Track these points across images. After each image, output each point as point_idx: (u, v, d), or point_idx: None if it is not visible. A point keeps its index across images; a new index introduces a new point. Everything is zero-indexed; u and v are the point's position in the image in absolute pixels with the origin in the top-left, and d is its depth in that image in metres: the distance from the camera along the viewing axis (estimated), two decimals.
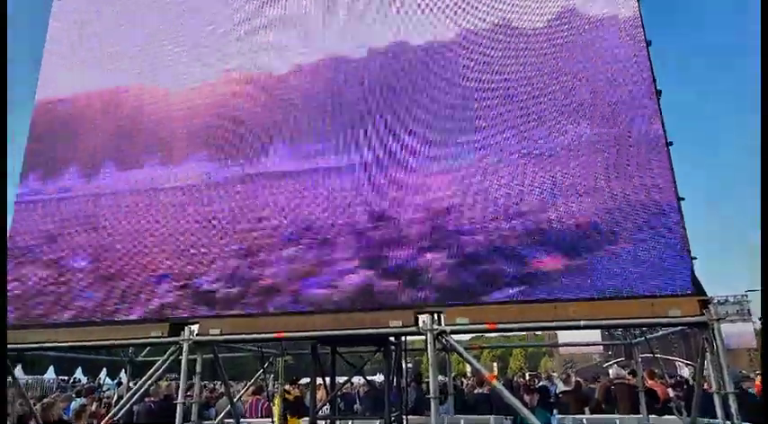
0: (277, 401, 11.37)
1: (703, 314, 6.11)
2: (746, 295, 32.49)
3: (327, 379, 10.21)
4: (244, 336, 7.65)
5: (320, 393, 11.76)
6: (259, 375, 11.53)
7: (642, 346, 12.30)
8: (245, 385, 13.72)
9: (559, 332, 27.09)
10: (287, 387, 13.09)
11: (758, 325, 33.19)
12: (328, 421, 10.03)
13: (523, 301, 6.79)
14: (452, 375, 16.42)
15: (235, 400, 10.87)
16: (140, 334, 7.85)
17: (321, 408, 10.28)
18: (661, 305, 6.32)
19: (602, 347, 29.13)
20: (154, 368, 7.91)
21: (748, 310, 32.35)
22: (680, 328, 9.34)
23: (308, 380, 11.11)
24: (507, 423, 10.96)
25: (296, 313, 7.31)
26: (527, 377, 27.15)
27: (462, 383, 22.00)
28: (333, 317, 7.17)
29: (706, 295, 6.33)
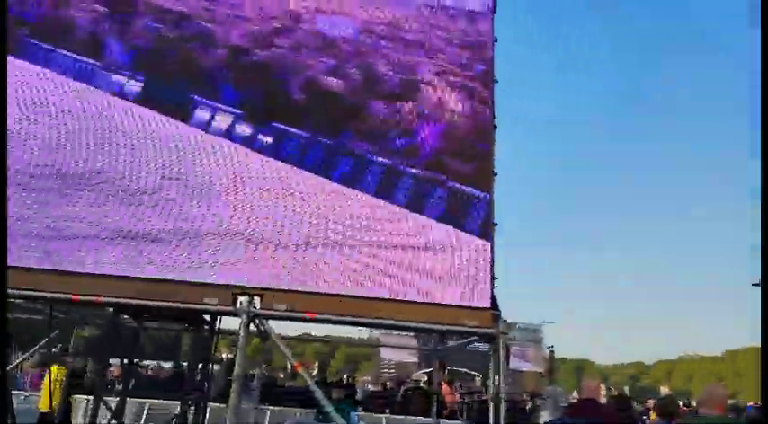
0: (54, 369, 10.00)
1: (492, 327, 6.88)
2: (541, 325, 37.54)
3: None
4: (32, 293, 6.69)
5: (116, 371, 10.76)
6: (44, 343, 10.09)
7: (450, 358, 13.38)
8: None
9: (382, 337, 28.41)
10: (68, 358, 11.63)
11: (547, 353, 38.16)
12: (116, 396, 9.22)
13: (342, 295, 6.98)
14: (268, 366, 16.27)
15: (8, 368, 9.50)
16: None
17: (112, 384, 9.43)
18: (461, 316, 6.97)
19: (416, 359, 31.33)
20: None
21: (541, 338, 37.38)
22: (482, 346, 10.34)
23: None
24: (311, 415, 11.14)
25: (96, 276, 6.58)
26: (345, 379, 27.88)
27: (281, 375, 21.96)
28: (139, 285, 6.60)
29: (499, 312, 7.11)
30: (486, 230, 7.24)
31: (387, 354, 35.48)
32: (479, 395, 17.94)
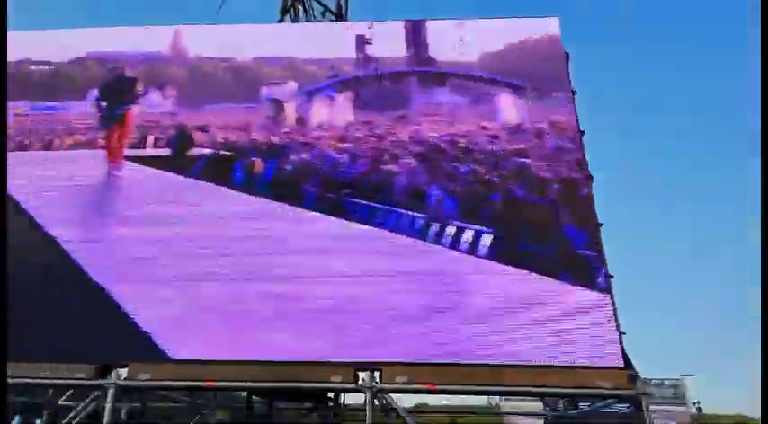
0: None
1: (632, 388, 6.34)
2: (681, 379, 33.34)
3: None
4: (176, 383, 7.30)
5: None
6: None
7: (582, 422, 12.34)
8: None
9: (503, 403, 26.87)
10: None
11: (693, 410, 33.77)
12: None
13: (464, 364, 6.85)
14: None
15: None
16: (63, 374, 7.33)
17: None
18: (592, 377, 6.53)
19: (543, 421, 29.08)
20: (71, 415, 7.31)
21: (683, 394, 33.09)
22: (619, 409, 9.54)
23: None
24: None
25: (231, 362, 7.06)
26: None
27: None
28: (269, 368, 6.97)
29: (634, 371, 6.58)
30: (604, 285, 6.90)
31: (512, 420, 33.30)
32: None
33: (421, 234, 8.12)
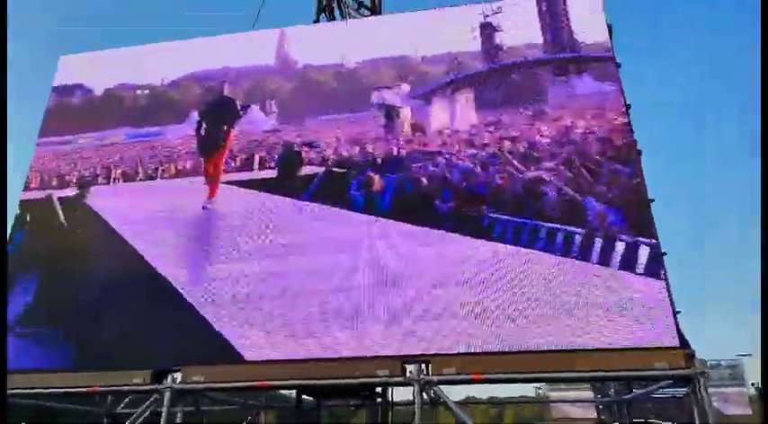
0: None
1: (688, 368, 6.13)
2: (739, 359, 32.08)
3: None
4: (228, 385, 7.48)
5: None
6: None
7: (636, 408, 12.04)
8: None
9: (551, 393, 26.43)
10: None
11: (752, 391, 32.53)
12: None
13: (510, 352, 6.77)
14: None
15: None
16: (119, 381, 7.60)
17: None
18: (646, 358, 6.34)
19: (595, 414, 28.34)
20: (130, 421, 7.58)
21: (741, 374, 31.83)
22: (674, 393, 9.30)
23: None
24: None
25: (280, 362, 7.18)
26: None
27: None
28: (317, 365, 7.06)
29: (691, 350, 6.36)
30: (655, 264, 6.68)
31: (562, 411, 32.80)
32: None
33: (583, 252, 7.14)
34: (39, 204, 9.82)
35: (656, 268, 6.79)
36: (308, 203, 8.60)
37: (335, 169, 8.83)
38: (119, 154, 10.08)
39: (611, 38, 8.56)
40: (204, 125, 9.90)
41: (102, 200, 9.65)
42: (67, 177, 10.09)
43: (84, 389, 7.61)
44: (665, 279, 6.67)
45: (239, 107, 9.88)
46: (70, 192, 9.85)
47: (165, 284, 8.27)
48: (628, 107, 8.10)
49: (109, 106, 10.65)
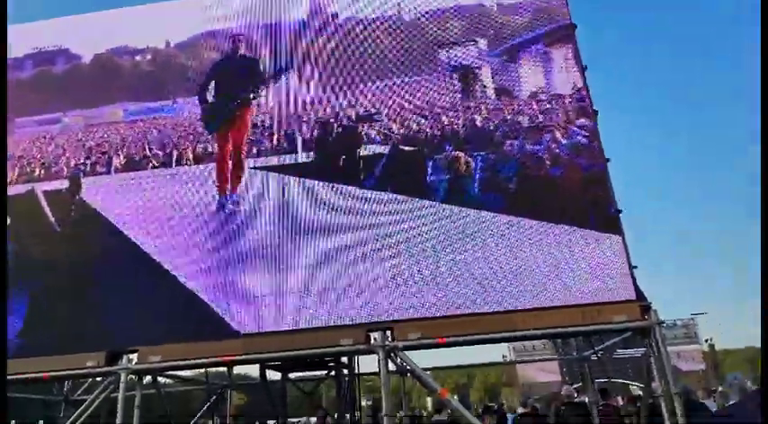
0: None
1: (645, 320, 6.26)
2: (693, 319, 33.75)
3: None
4: (187, 362, 7.23)
5: None
6: (203, 412, 10.69)
7: (597, 369, 12.43)
8: None
9: (515, 356, 27.19)
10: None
11: (705, 347, 34.37)
12: None
13: (474, 314, 6.76)
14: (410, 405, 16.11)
15: None
16: (72, 365, 7.25)
17: None
18: (605, 313, 6.44)
19: (559, 377, 29.42)
20: (83, 406, 7.25)
21: (695, 332, 33.54)
22: (630, 351, 9.53)
23: None
24: None
25: (243, 336, 6.97)
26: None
27: (422, 413, 21.69)
28: (281, 338, 6.89)
29: (649, 303, 6.49)
30: (611, 220, 6.68)
31: (527, 376, 33.86)
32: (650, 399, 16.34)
33: None
34: (19, 200, 7.93)
35: (611, 224, 6.78)
36: (373, 192, 6.99)
37: (404, 147, 7.20)
38: (118, 136, 8.19)
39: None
40: (213, 92, 8.04)
41: (101, 195, 7.79)
42: (53, 166, 8.16)
43: (34, 375, 7.22)
44: (622, 236, 6.73)
45: (269, 69, 7.96)
46: (59, 185, 8.00)
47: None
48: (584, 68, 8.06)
49: (102, 76, 8.62)
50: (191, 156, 7.86)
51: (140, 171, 7.91)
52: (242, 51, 8.16)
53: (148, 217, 7.52)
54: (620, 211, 6.89)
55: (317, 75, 7.83)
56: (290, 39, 8.11)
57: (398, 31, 7.81)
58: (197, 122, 8.07)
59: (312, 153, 7.52)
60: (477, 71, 7.47)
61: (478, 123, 7.18)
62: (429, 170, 7.00)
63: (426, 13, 7.85)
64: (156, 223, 7.48)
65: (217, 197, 7.56)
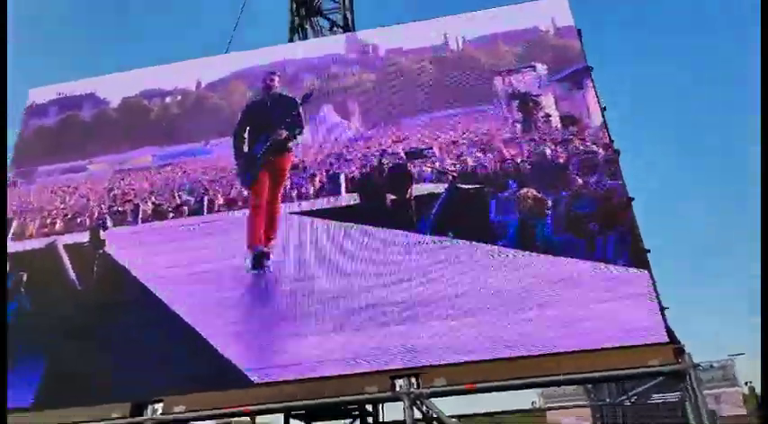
0: None
1: (679, 363, 6.04)
2: (731, 360, 32.23)
3: None
4: (212, 411, 7.16)
5: None
6: None
7: (629, 413, 11.90)
8: None
9: (547, 405, 26.17)
10: None
11: (746, 390, 32.66)
12: None
13: (502, 359, 6.59)
14: None
15: None
16: (98, 416, 7.20)
17: None
18: (638, 356, 6.24)
19: (590, 420, 28.21)
20: None
21: (734, 374, 31.97)
22: (668, 396, 9.18)
23: None
24: None
25: (265, 385, 6.89)
26: None
27: None
28: (304, 386, 6.78)
29: (682, 345, 6.29)
30: (639, 258, 6.51)
31: (558, 423, 32.45)
32: None
33: None
34: (38, 256, 7.53)
35: (640, 263, 6.59)
36: (429, 237, 6.33)
37: (463, 185, 6.58)
38: (146, 182, 7.77)
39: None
40: (247, 139, 7.46)
41: (126, 247, 7.29)
42: (78, 217, 7.72)
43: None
44: (651, 275, 6.57)
45: (307, 107, 7.42)
46: (81, 238, 7.54)
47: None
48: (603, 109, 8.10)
49: (130, 120, 8.32)
50: (222, 201, 7.38)
51: (169, 220, 7.45)
52: (277, 90, 7.66)
53: (178, 272, 7.01)
54: (648, 250, 6.78)
55: (357, 110, 7.37)
56: (327, 75, 7.76)
57: (446, 61, 7.36)
58: (229, 164, 7.61)
59: (357, 195, 6.94)
60: (537, 98, 6.92)
61: (548, 155, 6.50)
62: (493, 210, 6.33)
63: (475, 39, 7.40)
64: (184, 278, 6.97)
65: (250, 251, 6.98)
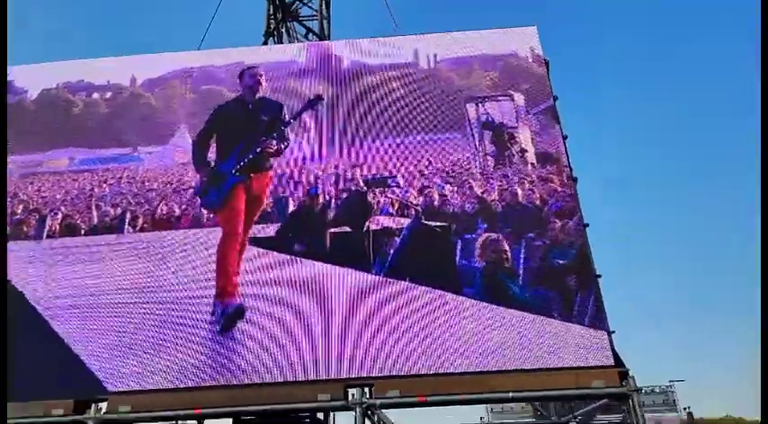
0: None
1: (623, 386, 6.30)
2: (671, 385, 33.56)
3: None
4: (159, 413, 6.99)
5: None
6: None
7: None
8: None
9: (494, 421, 26.52)
10: None
11: (684, 415, 33.91)
12: None
13: (454, 373, 6.71)
14: None
15: None
16: (37, 412, 6.91)
17: None
18: (584, 378, 6.47)
19: None
20: None
21: (674, 400, 33.26)
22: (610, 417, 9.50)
23: None
24: None
25: (216, 388, 6.78)
26: None
27: None
28: (256, 391, 6.71)
29: (626, 369, 6.56)
30: (589, 280, 6.75)
31: None
32: None
33: None
34: None
35: (590, 291, 6.29)
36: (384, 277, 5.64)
37: (428, 222, 5.87)
38: (62, 191, 6.69)
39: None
40: (214, 147, 6.37)
41: (24, 268, 6.21)
42: None
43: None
44: (600, 302, 6.79)
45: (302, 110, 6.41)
46: None
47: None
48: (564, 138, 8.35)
49: (49, 115, 7.24)
50: (148, 220, 6.32)
51: (80, 237, 6.34)
52: (262, 92, 6.62)
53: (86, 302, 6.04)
54: (599, 275, 7.04)
55: (313, 126, 6.54)
56: (285, 84, 6.88)
57: (416, 80, 6.68)
58: (161, 176, 6.59)
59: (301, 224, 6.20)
60: (513, 132, 6.33)
61: (520, 197, 5.88)
62: (458, 252, 5.68)
63: (448, 60, 6.78)
64: (93, 308, 6.04)
65: (221, 304, 6.10)
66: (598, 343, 6.20)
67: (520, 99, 6.43)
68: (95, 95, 7.25)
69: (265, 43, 11.33)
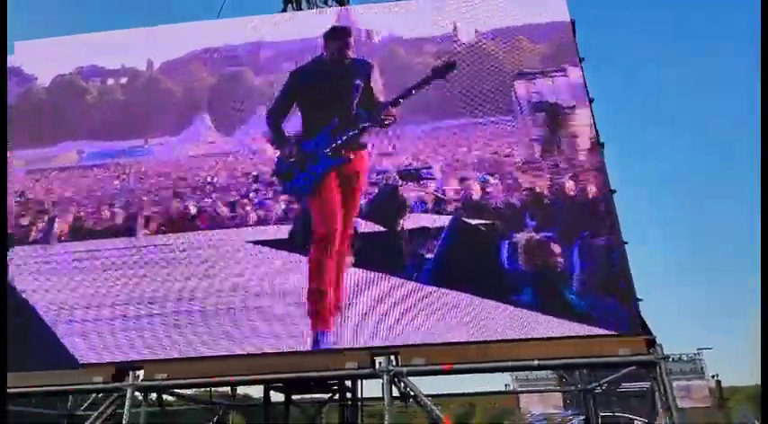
0: None
1: (650, 354, 6.26)
2: (699, 353, 33.21)
3: None
4: (194, 380, 7.25)
5: None
6: None
7: (599, 400, 12.24)
8: None
9: (517, 385, 26.87)
10: None
11: (712, 383, 33.74)
12: None
13: (479, 342, 6.76)
14: None
15: None
16: (79, 380, 7.23)
17: None
18: (610, 345, 6.45)
19: (562, 409, 28.92)
20: (89, 422, 7.24)
21: (702, 368, 32.95)
22: (637, 387, 9.43)
23: None
24: None
25: (248, 356, 6.98)
26: None
27: None
28: (285, 359, 6.89)
29: (653, 337, 6.50)
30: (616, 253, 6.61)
31: (530, 407, 33.23)
32: None
33: None
34: None
35: (616, 257, 6.60)
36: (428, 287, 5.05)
37: (469, 220, 5.13)
38: (70, 188, 6.12)
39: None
40: (301, 118, 5.49)
41: (33, 278, 5.75)
42: None
43: (40, 389, 7.25)
44: (627, 268, 6.71)
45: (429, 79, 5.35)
46: None
47: None
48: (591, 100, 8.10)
49: (60, 104, 6.65)
50: (160, 221, 5.75)
51: (91, 240, 5.80)
52: (351, 55, 5.64)
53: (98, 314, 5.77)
54: (626, 242, 6.93)
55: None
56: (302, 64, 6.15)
57: (455, 55, 5.77)
58: (172, 170, 5.94)
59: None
60: (568, 113, 5.41)
61: (571, 190, 5.06)
62: (504, 255, 4.99)
63: (491, 32, 5.85)
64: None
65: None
66: (625, 311, 6.06)
67: (576, 74, 5.47)
68: (110, 81, 6.64)
69: (284, 10, 11.05)
